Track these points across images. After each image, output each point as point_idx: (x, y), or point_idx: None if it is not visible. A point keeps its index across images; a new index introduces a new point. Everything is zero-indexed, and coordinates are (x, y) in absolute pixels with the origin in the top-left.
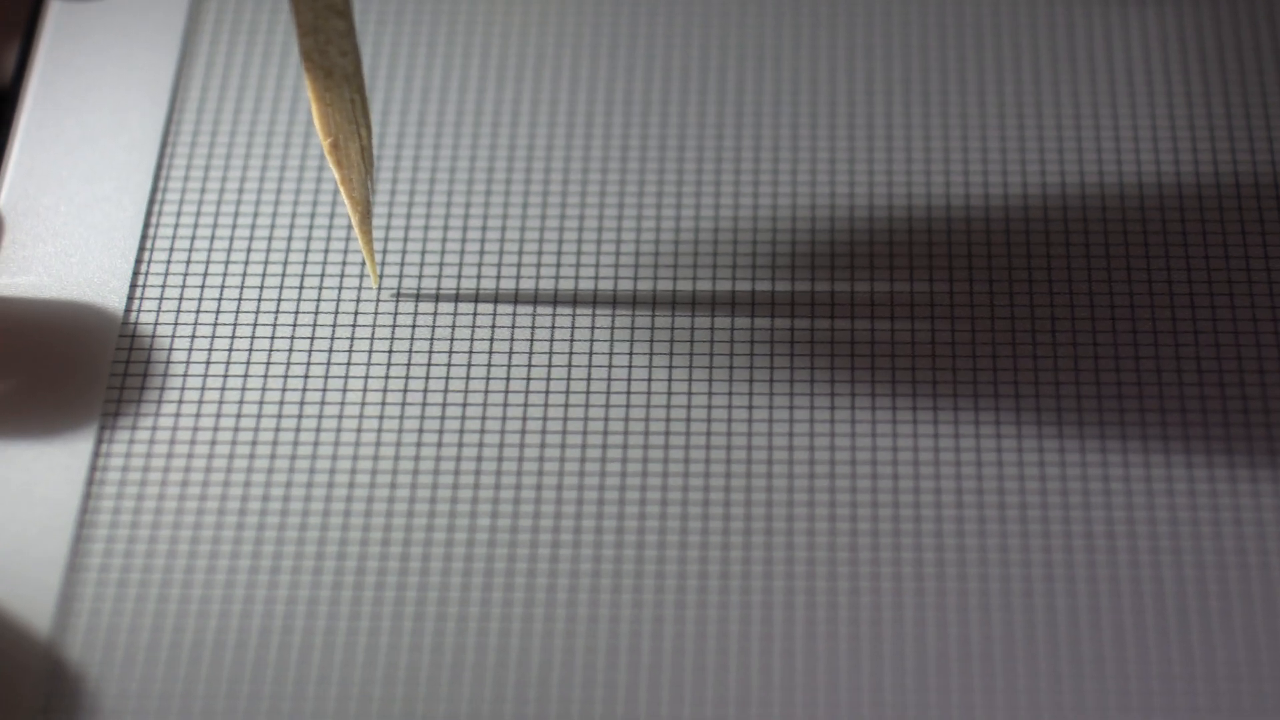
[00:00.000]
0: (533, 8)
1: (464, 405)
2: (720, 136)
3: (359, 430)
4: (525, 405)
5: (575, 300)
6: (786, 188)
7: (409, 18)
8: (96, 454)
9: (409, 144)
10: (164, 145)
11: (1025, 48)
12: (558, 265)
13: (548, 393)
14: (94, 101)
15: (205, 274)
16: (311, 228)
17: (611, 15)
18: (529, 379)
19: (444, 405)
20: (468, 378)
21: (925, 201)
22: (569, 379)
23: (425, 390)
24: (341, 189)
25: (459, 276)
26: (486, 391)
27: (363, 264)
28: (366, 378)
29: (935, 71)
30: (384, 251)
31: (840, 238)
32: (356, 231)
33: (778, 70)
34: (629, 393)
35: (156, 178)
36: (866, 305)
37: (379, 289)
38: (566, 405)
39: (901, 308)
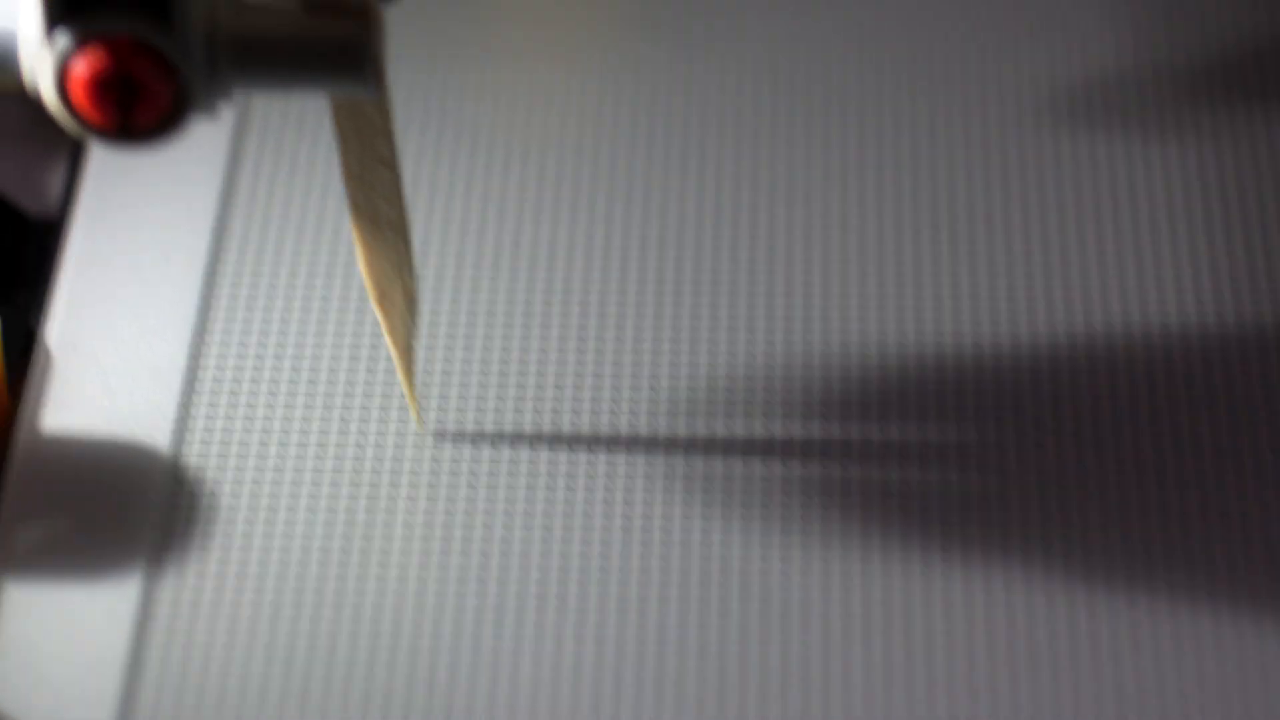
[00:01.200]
0: (567, 151)
1: (504, 545)
2: (752, 279)
3: (403, 570)
4: (564, 544)
5: (614, 441)
6: (816, 333)
7: (447, 154)
8: (145, 594)
9: (447, 282)
10: (208, 282)
11: (1052, 188)
12: (593, 402)
13: (583, 529)
14: (139, 237)
15: (252, 413)
16: (355, 367)
17: (645, 153)
18: (565, 517)
19: (485, 544)
20: (511, 514)
21: (955, 346)
22: (602, 518)
23: (468, 529)
24: (386, 335)
25: (500, 414)
26: (528, 529)
27: (404, 402)
28: (414, 515)
29: (963, 210)
30: (430, 393)
31: (873, 382)
32: (399, 375)
33: (808, 209)
34: (663, 535)
35: (203, 315)
36: (898, 452)
37: (422, 431)
38: (605, 545)
39: (932, 453)
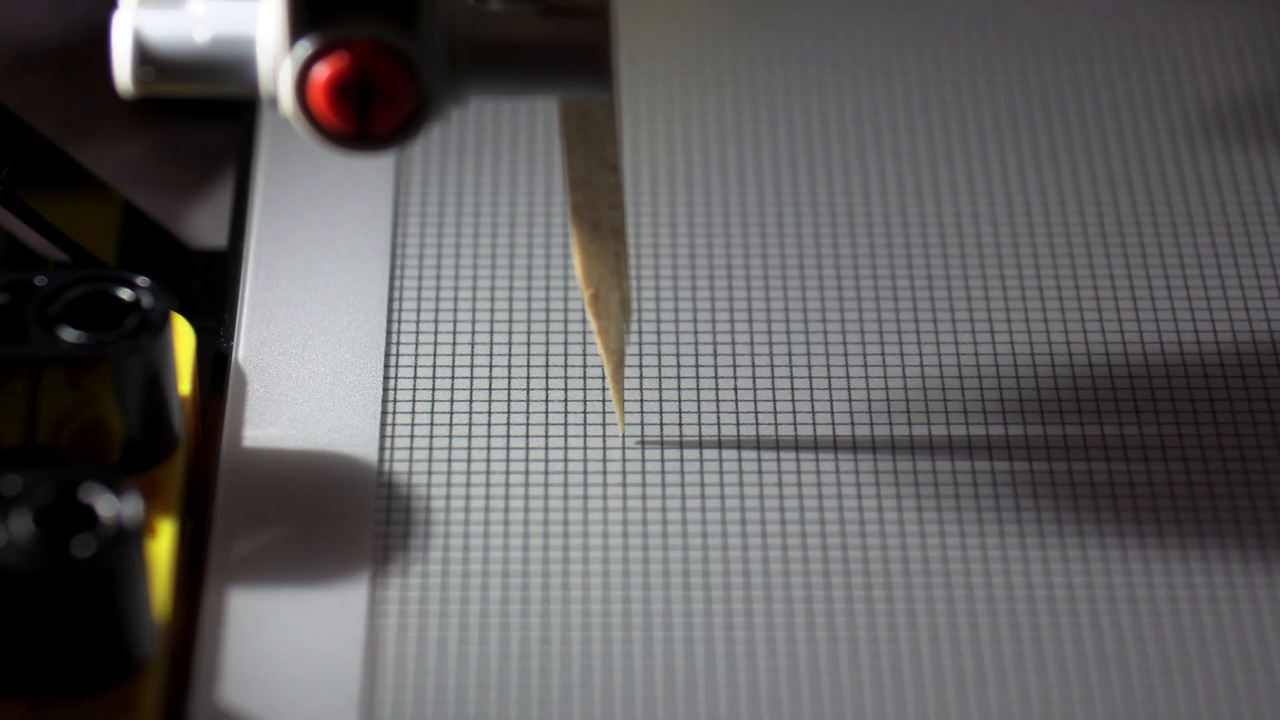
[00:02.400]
0: (781, 161)
1: (704, 550)
2: (940, 286)
3: (624, 571)
4: (764, 550)
5: (816, 446)
6: (1005, 336)
7: (662, 172)
8: (372, 599)
9: (651, 286)
10: (392, 297)
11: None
12: (793, 410)
13: (784, 536)
14: (317, 259)
15: (451, 421)
16: (547, 371)
17: (857, 164)
18: (763, 523)
19: (685, 550)
20: (720, 523)
21: (1175, 344)
22: (802, 522)
23: (664, 534)
24: (598, 339)
25: (699, 424)
26: (724, 536)
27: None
28: (622, 519)
29: (1128, 219)
30: (631, 397)
31: (1064, 379)
32: (609, 381)
33: (995, 216)
34: (863, 535)
35: (389, 329)
36: (1090, 447)
37: (624, 437)
38: (804, 550)
39: (1134, 450)
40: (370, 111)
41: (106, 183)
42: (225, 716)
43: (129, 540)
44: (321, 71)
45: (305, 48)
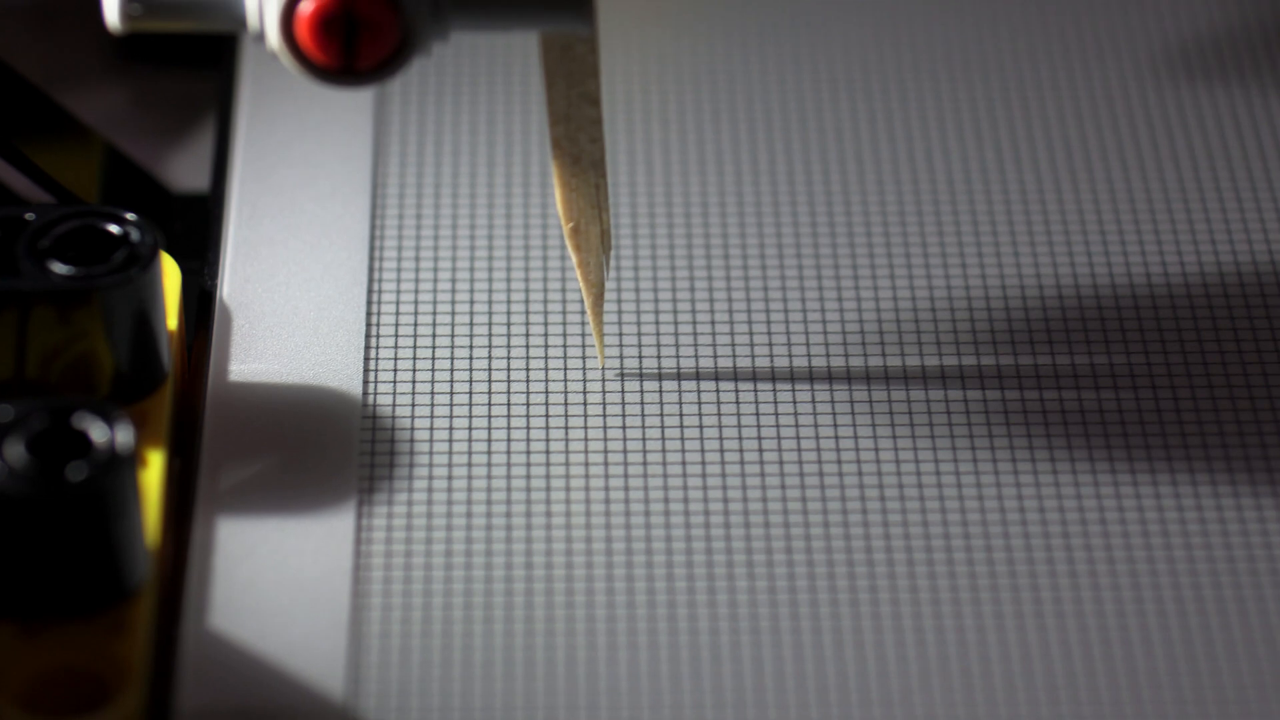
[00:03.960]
0: (755, 104)
1: (684, 480)
2: (912, 225)
3: (605, 499)
4: (743, 480)
5: (793, 377)
6: (978, 264)
7: (638, 108)
8: (360, 527)
9: (635, 225)
10: (373, 233)
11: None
12: (769, 342)
13: (762, 465)
14: (299, 198)
15: (433, 354)
16: (527, 305)
17: (827, 106)
18: (741, 453)
19: (665, 480)
20: (699, 453)
21: (1126, 276)
22: (779, 451)
23: (644, 464)
24: (578, 272)
25: (678, 356)
26: (703, 466)
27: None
28: (604, 455)
29: (1092, 155)
30: (610, 330)
31: (1032, 311)
32: (589, 314)
33: (965, 156)
34: (840, 463)
35: (371, 261)
36: (1063, 376)
37: (604, 369)
38: (782, 480)
39: (1104, 379)
40: (355, 46)
41: (90, 127)
42: (216, 641)
43: (122, 465)
44: (307, 6)
45: None
